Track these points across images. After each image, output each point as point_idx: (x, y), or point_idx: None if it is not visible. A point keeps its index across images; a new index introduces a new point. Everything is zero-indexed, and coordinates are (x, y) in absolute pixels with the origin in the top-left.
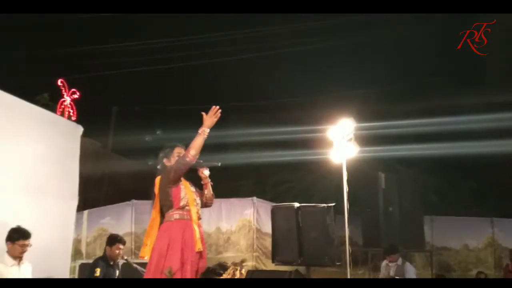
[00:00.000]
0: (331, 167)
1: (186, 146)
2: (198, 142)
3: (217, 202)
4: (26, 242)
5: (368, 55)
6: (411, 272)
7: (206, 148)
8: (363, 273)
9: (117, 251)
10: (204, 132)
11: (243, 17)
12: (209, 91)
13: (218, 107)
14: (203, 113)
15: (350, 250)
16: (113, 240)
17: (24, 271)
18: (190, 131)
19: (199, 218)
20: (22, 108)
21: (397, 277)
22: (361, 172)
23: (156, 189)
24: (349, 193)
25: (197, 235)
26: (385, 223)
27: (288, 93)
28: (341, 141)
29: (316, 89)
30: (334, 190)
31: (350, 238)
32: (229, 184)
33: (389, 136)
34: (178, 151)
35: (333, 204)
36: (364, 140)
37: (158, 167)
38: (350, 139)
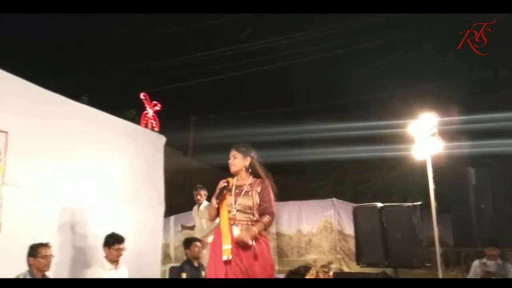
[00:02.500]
0: (412, 164)
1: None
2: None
3: (296, 204)
4: (121, 246)
5: (451, 45)
6: None
7: (283, 145)
8: (455, 275)
9: (196, 249)
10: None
11: (310, 17)
12: (285, 93)
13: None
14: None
15: (441, 251)
16: (188, 242)
17: (121, 274)
18: (265, 135)
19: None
20: (113, 123)
21: (500, 277)
22: (447, 168)
23: None
24: (435, 190)
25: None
26: (477, 221)
27: (365, 89)
28: (424, 137)
29: (394, 84)
30: (415, 188)
31: (439, 238)
32: (307, 185)
33: (478, 131)
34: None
35: (420, 203)
36: (450, 135)
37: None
38: (434, 134)
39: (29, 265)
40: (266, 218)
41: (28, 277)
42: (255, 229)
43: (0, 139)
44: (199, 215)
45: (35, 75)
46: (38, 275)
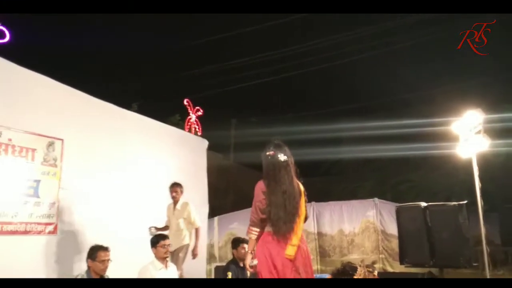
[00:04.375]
0: (457, 163)
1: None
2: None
3: (337, 204)
4: (166, 242)
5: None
6: None
7: (321, 143)
8: (502, 274)
9: (243, 251)
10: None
11: (350, 18)
12: (324, 95)
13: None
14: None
15: (488, 250)
16: (236, 242)
17: (170, 273)
18: (304, 133)
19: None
20: (160, 129)
21: None
22: (493, 167)
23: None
24: (481, 189)
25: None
26: None
27: (407, 88)
28: (469, 134)
29: (438, 81)
30: (460, 187)
31: (486, 237)
32: (348, 186)
33: None
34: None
35: (465, 201)
36: (496, 132)
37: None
38: (479, 132)
39: (88, 266)
40: None
41: (85, 277)
42: None
43: (57, 146)
44: (176, 215)
45: (89, 85)
46: (95, 277)
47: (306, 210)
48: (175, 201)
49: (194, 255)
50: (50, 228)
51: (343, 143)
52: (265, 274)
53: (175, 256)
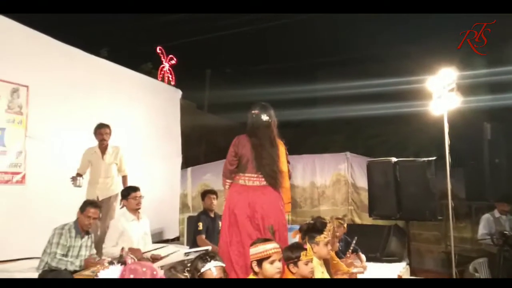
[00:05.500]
0: (428, 120)
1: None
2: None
3: (310, 158)
4: (137, 194)
5: None
6: None
7: (296, 104)
8: (464, 226)
9: (209, 202)
10: None
11: None
12: (297, 48)
13: None
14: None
15: (453, 204)
16: (204, 194)
17: (142, 225)
18: (277, 87)
19: None
20: (131, 77)
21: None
22: (463, 124)
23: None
24: (450, 145)
25: None
26: (490, 175)
27: (382, 44)
28: (442, 92)
29: (412, 39)
30: (429, 143)
31: (451, 192)
32: (321, 139)
33: (496, 84)
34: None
35: (434, 158)
36: (468, 89)
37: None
38: (452, 89)
39: (77, 217)
40: None
41: (72, 229)
42: None
43: (21, 93)
44: (106, 160)
45: (56, 29)
46: (81, 230)
47: (289, 169)
48: (104, 145)
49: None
50: (18, 177)
51: (316, 103)
52: (242, 220)
53: (107, 207)
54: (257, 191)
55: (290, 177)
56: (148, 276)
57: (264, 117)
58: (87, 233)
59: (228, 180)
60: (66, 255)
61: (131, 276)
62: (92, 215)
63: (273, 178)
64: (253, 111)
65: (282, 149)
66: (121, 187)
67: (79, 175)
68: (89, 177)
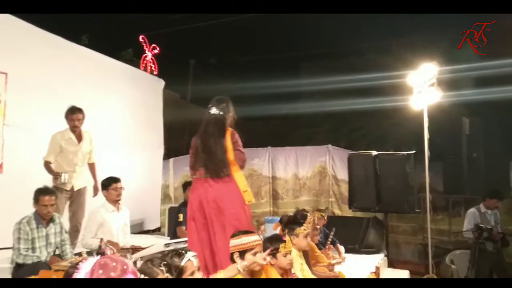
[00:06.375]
0: (408, 114)
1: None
2: None
3: (292, 150)
4: (118, 185)
5: None
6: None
7: (279, 98)
8: (442, 219)
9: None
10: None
11: None
12: (282, 40)
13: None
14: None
15: (431, 197)
16: (185, 185)
17: (122, 216)
18: (262, 81)
19: None
20: (112, 65)
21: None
22: (442, 118)
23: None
24: (429, 140)
25: None
26: (468, 169)
27: (364, 38)
28: (423, 87)
29: (394, 33)
30: (409, 137)
31: (430, 185)
32: (303, 132)
33: (475, 79)
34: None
35: (414, 151)
36: (448, 84)
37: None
38: (432, 84)
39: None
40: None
41: (33, 220)
42: None
43: (0, 80)
44: (82, 148)
45: (35, 15)
46: (42, 220)
47: (241, 157)
48: (78, 132)
49: (97, 191)
50: None
51: (300, 97)
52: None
53: (80, 198)
54: (206, 183)
55: (242, 166)
56: (118, 271)
57: (213, 111)
58: (52, 220)
59: (192, 177)
60: (33, 248)
61: (100, 272)
62: (48, 203)
63: (219, 168)
64: (208, 106)
65: (229, 138)
66: (90, 176)
67: (57, 174)
68: (54, 165)
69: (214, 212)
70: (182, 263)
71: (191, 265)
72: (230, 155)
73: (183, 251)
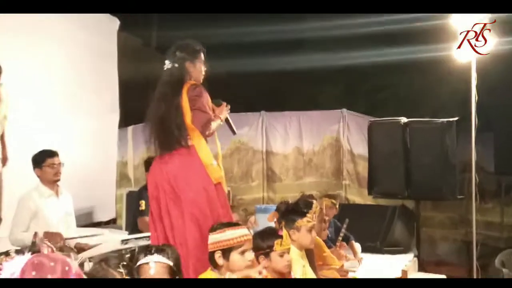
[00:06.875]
0: (450, 68)
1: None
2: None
3: (294, 115)
4: (55, 160)
5: None
6: None
7: (276, 46)
8: (491, 208)
9: None
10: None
11: None
12: None
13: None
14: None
15: (477, 180)
16: (149, 162)
17: (63, 202)
18: (253, 24)
19: None
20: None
21: None
22: (496, 74)
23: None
24: (477, 102)
25: None
26: None
27: None
28: (471, 32)
29: None
30: (451, 100)
31: (476, 163)
32: (308, 91)
33: None
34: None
35: (456, 119)
36: (505, 27)
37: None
38: (484, 28)
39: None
40: None
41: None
42: None
43: None
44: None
45: None
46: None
47: (205, 120)
48: None
49: (5, 162)
50: None
51: (305, 47)
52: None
53: None
54: (160, 161)
55: (204, 132)
56: (59, 274)
57: (166, 64)
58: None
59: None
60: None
61: (33, 274)
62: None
63: (173, 138)
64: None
65: (185, 94)
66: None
67: None
68: None
69: (170, 198)
70: (138, 262)
71: (146, 270)
72: (188, 118)
73: (153, 249)
